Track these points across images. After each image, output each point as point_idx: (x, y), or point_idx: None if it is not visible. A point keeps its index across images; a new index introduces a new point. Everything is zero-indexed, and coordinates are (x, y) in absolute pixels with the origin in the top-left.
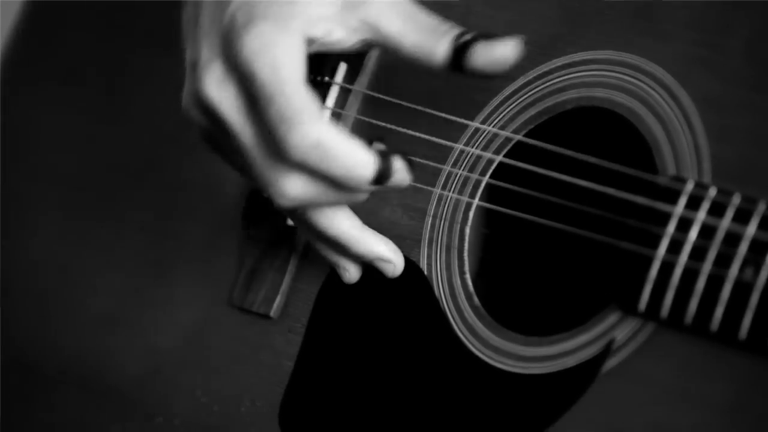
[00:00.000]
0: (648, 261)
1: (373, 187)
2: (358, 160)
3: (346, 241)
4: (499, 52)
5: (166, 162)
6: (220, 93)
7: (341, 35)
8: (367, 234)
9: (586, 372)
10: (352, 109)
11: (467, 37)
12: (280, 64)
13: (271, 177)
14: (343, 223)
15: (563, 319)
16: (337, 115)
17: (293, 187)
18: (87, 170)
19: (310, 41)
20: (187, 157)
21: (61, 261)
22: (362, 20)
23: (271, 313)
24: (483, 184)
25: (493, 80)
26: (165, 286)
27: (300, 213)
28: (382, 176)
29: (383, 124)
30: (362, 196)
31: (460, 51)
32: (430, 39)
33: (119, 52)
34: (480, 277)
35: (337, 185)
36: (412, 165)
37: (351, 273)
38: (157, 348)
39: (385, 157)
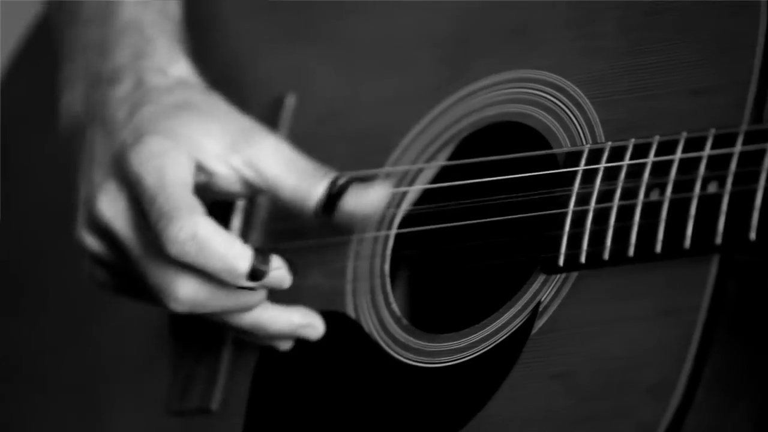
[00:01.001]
0: (562, 219)
1: (251, 283)
2: (233, 252)
3: (260, 325)
4: (370, 197)
5: (85, 317)
6: (112, 209)
7: (225, 172)
8: (277, 310)
9: (518, 339)
10: (260, 220)
11: (341, 181)
12: (166, 168)
13: (162, 282)
14: (251, 312)
15: (496, 304)
16: (244, 233)
17: (183, 290)
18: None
19: (197, 167)
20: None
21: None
22: (245, 161)
23: (212, 406)
24: (399, 214)
25: (385, 146)
26: (100, 414)
27: (209, 315)
28: (258, 271)
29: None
30: (253, 299)
31: (334, 196)
32: (307, 183)
33: None
34: (412, 295)
35: (218, 282)
36: (293, 265)
37: (284, 344)
38: None
39: (263, 252)
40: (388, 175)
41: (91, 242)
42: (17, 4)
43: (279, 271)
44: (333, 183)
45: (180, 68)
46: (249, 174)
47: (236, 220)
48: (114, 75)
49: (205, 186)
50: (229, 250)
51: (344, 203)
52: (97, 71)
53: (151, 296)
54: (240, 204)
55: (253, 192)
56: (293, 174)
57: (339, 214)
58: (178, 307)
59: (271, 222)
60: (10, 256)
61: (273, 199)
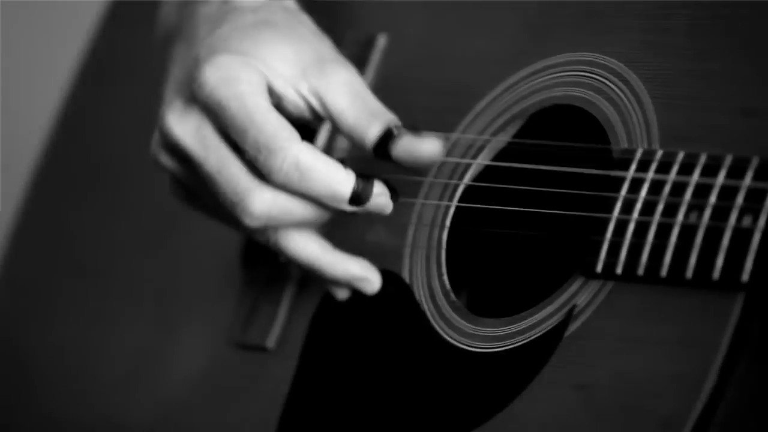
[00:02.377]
0: (605, 224)
1: (353, 208)
2: (337, 178)
3: (319, 266)
4: (419, 149)
5: (164, 226)
6: (182, 127)
7: (293, 98)
8: (338, 256)
9: (551, 339)
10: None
11: (396, 129)
12: (245, 95)
13: (237, 198)
14: (312, 248)
15: (538, 297)
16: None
17: (258, 205)
18: (92, 247)
19: (269, 90)
20: (183, 218)
21: (79, 334)
22: (312, 89)
23: (267, 344)
24: (461, 187)
25: (462, 106)
26: (170, 341)
27: (272, 242)
28: (361, 196)
29: None
30: (327, 214)
31: (386, 139)
32: (366, 121)
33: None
34: (464, 272)
35: (320, 206)
36: (395, 193)
37: (341, 293)
38: (165, 399)
39: (365, 178)
40: (454, 143)
41: (165, 159)
42: (17, 4)
43: (381, 198)
44: (389, 127)
45: None
46: (314, 103)
47: (320, 140)
48: None
49: (275, 107)
50: (332, 176)
51: (394, 148)
52: None
53: (225, 213)
54: (326, 126)
55: (318, 120)
56: (355, 110)
57: (392, 156)
58: (253, 222)
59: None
60: (101, 160)
61: (336, 129)
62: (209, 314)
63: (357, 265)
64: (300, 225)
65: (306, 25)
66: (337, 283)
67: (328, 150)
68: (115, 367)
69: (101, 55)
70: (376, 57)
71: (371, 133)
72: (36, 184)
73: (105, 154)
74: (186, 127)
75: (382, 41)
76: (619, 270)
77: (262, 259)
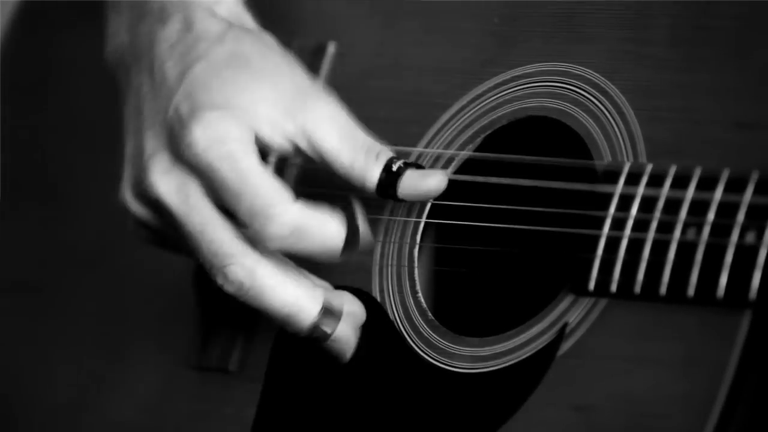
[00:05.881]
0: (595, 241)
1: (344, 257)
2: (330, 233)
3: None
4: (426, 184)
5: (112, 247)
6: (166, 184)
7: (278, 142)
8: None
9: (543, 359)
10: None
11: (396, 165)
12: (238, 155)
13: (216, 260)
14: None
15: (522, 316)
16: (280, 167)
17: (239, 271)
18: (35, 267)
19: (255, 138)
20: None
21: (20, 361)
22: (299, 129)
23: (229, 367)
24: (429, 204)
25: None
26: (122, 364)
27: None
28: (352, 243)
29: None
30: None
31: (391, 178)
32: (364, 162)
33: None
34: (436, 290)
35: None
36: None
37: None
38: (117, 426)
39: (351, 221)
40: (419, 156)
41: (138, 209)
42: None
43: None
44: (389, 164)
45: (227, 5)
46: (302, 144)
47: (273, 155)
48: (162, 11)
49: (262, 150)
50: (326, 232)
51: (401, 187)
52: (144, 0)
53: (203, 265)
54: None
55: (308, 161)
56: (348, 150)
57: (398, 195)
58: (227, 286)
59: (300, 184)
60: (42, 173)
61: (328, 171)
62: (162, 335)
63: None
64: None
65: (274, 50)
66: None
67: (281, 167)
68: (58, 394)
69: (20, 62)
70: (326, 65)
71: (372, 176)
72: None
73: (46, 165)
74: (171, 185)
75: (332, 49)
76: (613, 288)
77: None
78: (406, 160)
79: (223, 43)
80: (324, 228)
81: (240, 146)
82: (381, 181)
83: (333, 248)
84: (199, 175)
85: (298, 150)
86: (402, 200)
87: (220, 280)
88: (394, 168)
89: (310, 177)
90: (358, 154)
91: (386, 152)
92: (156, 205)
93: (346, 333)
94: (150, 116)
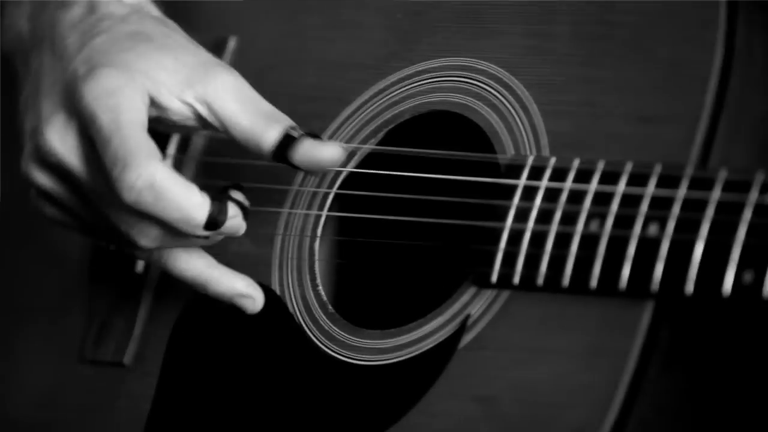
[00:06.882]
0: (498, 233)
1: (207, 233)
2: (191, 202)
3: (203, 281)
4: (321, 153)
5: (1, 240)
6: (63, 143)
7: (178, 108)
8: (224, 272)
9: (444, 351)
10: (196, 152)
11: (296, 132)
12: (122, 108)
13: (124, 227)
14: (197, 265)
15: (425, 309)
16: (179, 161)
17: (146, 239)
18: None
19: (151, 101)
20: (18, 229)
21: None
22: (199, 96)
23: (125, 360)
24: (331, 196)
25: (327, 112)
26: (14, 358)
27: (155, 259)
28: (216, 221)
29: (226, 160)
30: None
31: (286, 143)
32: (263, 125)
33: None
34: (340, 284)
35: (171, 229)
36: (246, 212)
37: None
38: (13, 420)
39: (220, 201)
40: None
41: (41, 178)
42: None
43: (234, 220)
44: (288, 130)
45: None
46: (202, 110)
47: (171, 149)
48: None
49: (158, 119)
50: (187, 199)
51: (296, 152)
52: None
53: (113, 238)
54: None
55: (207, 128)
56: (249, 114)
57: (292, 161)
58: (142, 255)
59: (205, 155)
60: None
61: (228, 138)
62: (54, 330)
63: (242, 282)
64: (184, 249)
65: (178, 32)
66: (218, 298)
67: (179, 158)
68: None
69: None
70: (227, 60)
71: (269, 137)
72: None
73: None
74: (68, 145)
75: (232, 44)
76: (516, 280)
77: (111, 273)
78: (305, 131)
79: (127, 23)
80: (186, 195)
81: (127, 102)
82: (278, 144)
83: (193, 219)
84: (84, 125)
85: (198, 116)
86: (297, 167)
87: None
88: (294, 134)
89: (209, 170)
90: (258, 118)
91: (288, 120)
92: (58, 168)
93: (234, 212)
94: (48, 86)
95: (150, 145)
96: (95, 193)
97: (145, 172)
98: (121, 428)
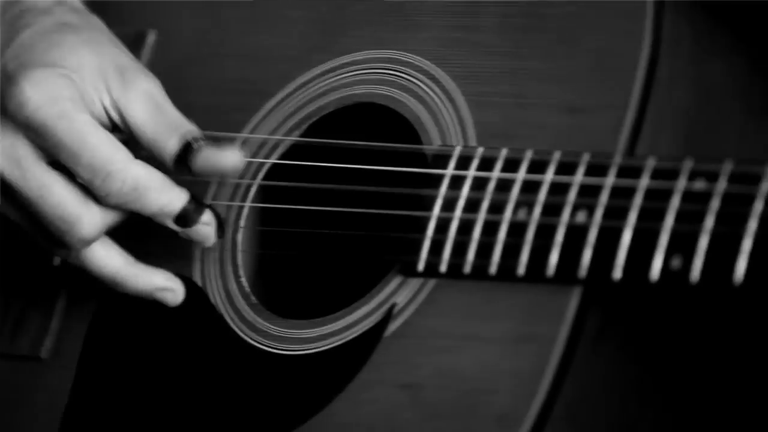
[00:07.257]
0: (425, 222)
1: (176, 227)
2: (170, 195)
3: (122, 279)
4: (220, 160)
5: None
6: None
7: (98, 110)
8: (141, 268)
9: (369, 339)
10: None
11: (195, 141)
12: (73, 115)
13: (66, 225)
14: (115, 262)
15: (352, 298)
16: None
17: (90, 228)
18: None
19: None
20: None
21: None
22: (113, 103)
23: (42, 354)
24: (254, 188)
25: (249, 105)
26: None
27: (74, 257)
28: (187, 218)
29: None
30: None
31: (186, 151)
32: (165, 135)
33: None
34: (265, 275)
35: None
36: (221, 228)
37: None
38: None
39: (198, 203)
40: (244, 142)
41: None
42: None
43: (207, 228)
44: (189, 140)
45: None
46: (114, 116)
47: None
48: None
49: None
50: (166, 192)
51: (194, 161)
52: None
53: (47, 234)
54: None
55: (118, 133)
56: (154, 123)
57: (193, 168)
58: (84, 246)
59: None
60: None
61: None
62: None
63: (161, 276)
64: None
65: (100, 29)
66: (138, 295)
67: None
68: None
69: None
70: (146, 54)
71: (170, 147)
72: None
73: None
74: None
75: (152, 38)
76: (443, 268)
77: (24, 266)
78: (210, 135)
79: (51, 14)
80: (166, 188)
81: (72, 105)
82: (178, 154)
83: (168, 209)
84: (32, 135)
85: (110, 120)
86: (199, 176)
87: (76, 245)
88: (194, 145)
89: None
90: (161, 128)
91: (192, 131)
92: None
93: (209, 219)
94: None
95: (119, 146)
96: (35, 192)
97: (129, 176)
98: (38, 422)
